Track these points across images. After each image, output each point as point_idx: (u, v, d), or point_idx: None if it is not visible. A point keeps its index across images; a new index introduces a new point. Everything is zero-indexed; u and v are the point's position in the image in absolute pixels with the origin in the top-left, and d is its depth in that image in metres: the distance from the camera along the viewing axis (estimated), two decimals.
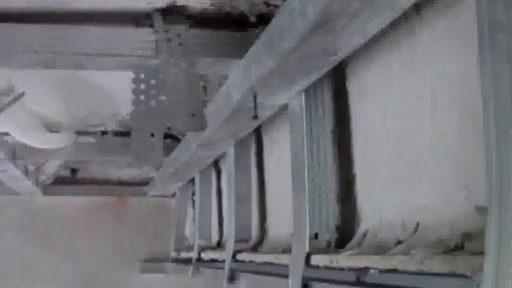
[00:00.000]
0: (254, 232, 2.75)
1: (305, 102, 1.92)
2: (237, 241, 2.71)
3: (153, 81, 1.94)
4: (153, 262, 4.57)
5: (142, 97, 1.93)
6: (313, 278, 1.85)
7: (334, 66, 1.68)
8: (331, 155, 1.92)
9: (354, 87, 1.89)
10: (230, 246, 2.73)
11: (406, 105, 1.59)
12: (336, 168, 1.93)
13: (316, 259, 1.84)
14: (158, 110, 1.92)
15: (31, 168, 3.69)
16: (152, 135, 1.91)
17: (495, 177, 0.99)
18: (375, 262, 1.52)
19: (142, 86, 1.94)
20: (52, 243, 4.55)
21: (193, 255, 3.52)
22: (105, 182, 4.55)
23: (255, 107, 1.91)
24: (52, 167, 3.93)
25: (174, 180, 3.67)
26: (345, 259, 1.66)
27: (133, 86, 1.93)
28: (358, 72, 1.86)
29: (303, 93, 1.90)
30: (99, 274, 4.60)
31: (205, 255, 3.35)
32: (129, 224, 4.63)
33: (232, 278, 2.73)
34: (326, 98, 1.94)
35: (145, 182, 4.43)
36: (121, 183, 4.55)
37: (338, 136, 1.92)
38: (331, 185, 1.90)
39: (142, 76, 1.94)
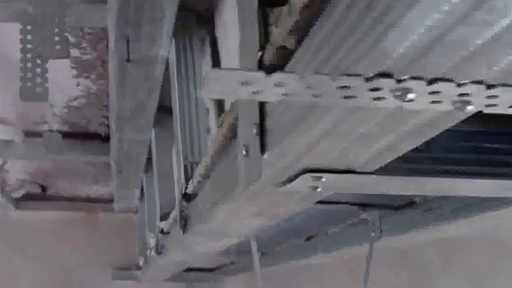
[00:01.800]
0: None
1: (176, 51, 2.05)
2: (162, 217, 2.80)
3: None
4: (125, 270, 4.73)
5: (29, 46, 2.06)
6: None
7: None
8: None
9: (219, 29, 2.01)
10: (157, 222, 2.83)
11: None
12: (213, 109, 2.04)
13: (189, 189, 1.93)
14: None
15: None
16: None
17: None
18: None
19: (29, 37, 2.07)
20: (26, 254, 4.76)
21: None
22: (74, 199, 4.71)
23: (128, 50, 2.02)
24: (15, 178, 4.10)
25: (125, 186, 3.75)
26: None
27: (21, 36, 2.06)
28: (221, 14, 1.97)
29: (173, 42, 2.03)
30: (73, 282, 4.76)
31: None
32: (100, 238, 4.83)
33: (161, 251, 2.82)
34: (197, 46, 2.06)
35: (112, 199, 4.55)
36: (89, 199, 4.72)
37: None
38: (204, 124, 2.02)
39: (28, 27, 2.07)
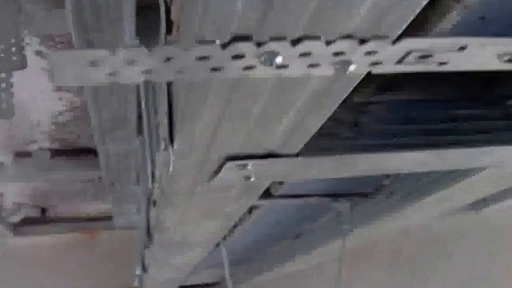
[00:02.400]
0: None
1: None
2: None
3: None
4: None
5: None
6: None
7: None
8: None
9: None
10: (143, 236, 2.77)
11: None
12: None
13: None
14: None
15: None
16: None
17: None
18: None
19: None
20: (25, 283, 4.62)
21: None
22: (74, 220, 4.62)
23: None
24: (11, 202, 4.04)
25: (120, 200, 3.70)
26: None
27: None
28: None
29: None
30: None
31: None
32: (101, 258, 4.69)
33: (145, 268, 2.77)
34: None
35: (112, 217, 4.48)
36: (90, 219, 4.62)
37: None
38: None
39: None
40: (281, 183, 1.74)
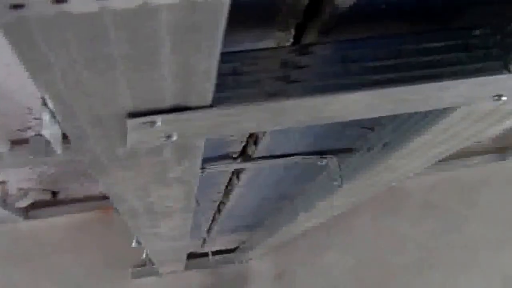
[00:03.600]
0: None
1: None
2: None
3: None
4: (145, 266, 4.45)
5: None
6: None
7: None
8: None
9: None
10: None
11: None
12: None
13: None
14: None
15: None
16: None
17: None
18: None
19: None
20: (40, 266, 4.57)
21: None
22: (87, 199, 4.54)
23: None
24: (16, 188, 3.98)
25: None
26: None
27: None
28: None
29: None
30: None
31: None
32: (117, 235, 4.58)
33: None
34: None
35: None
36: (103, 197, 4.52)
37: None
38: None
39: None
40: (255, 144, 1.63)
